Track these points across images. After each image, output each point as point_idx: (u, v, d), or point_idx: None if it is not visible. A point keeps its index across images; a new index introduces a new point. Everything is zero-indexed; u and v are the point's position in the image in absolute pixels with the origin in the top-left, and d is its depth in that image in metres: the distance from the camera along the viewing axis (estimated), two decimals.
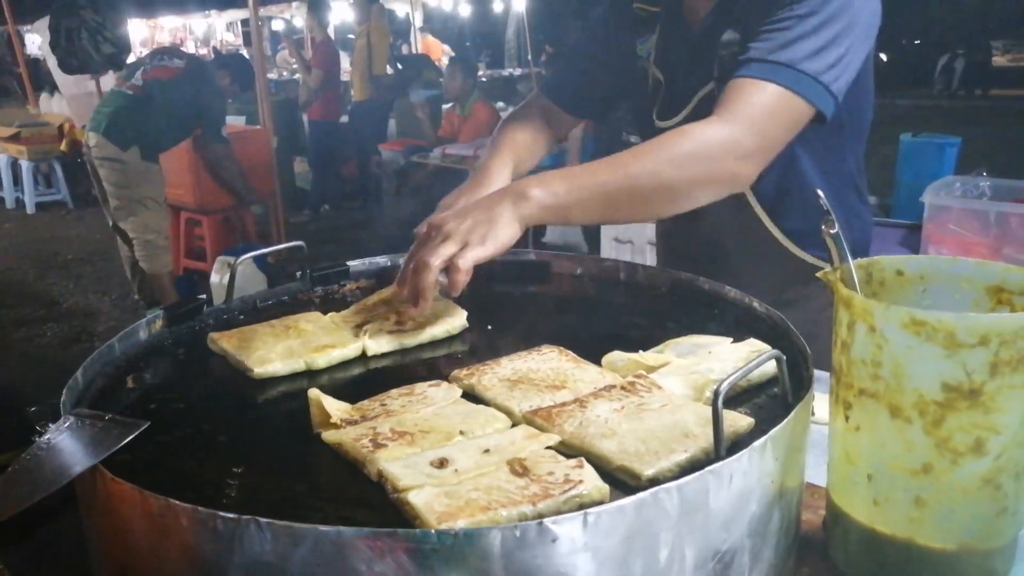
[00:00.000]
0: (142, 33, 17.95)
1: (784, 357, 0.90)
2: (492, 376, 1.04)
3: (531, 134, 1.66)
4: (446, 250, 1.14)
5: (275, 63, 14.96)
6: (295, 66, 10.80)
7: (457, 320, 1.26)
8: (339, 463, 0.87)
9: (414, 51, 14.07)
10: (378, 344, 1.19)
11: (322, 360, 1.14)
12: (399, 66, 9.97)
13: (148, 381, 1.12)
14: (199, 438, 0.95)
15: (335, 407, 0.95)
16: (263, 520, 0.66)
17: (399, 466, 0.81)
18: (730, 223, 1.58)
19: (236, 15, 19.35)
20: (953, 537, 0.84)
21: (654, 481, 0.79)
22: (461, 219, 1.17)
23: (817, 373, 0.97)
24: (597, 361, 1.10)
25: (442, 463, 0.81)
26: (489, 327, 1.30)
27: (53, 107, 10.38)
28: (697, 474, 0.72)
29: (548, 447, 0.86)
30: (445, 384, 1.04)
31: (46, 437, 0.85)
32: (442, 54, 13.96)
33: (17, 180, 9.45)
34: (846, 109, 1.40)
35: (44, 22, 7.08)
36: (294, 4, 15.97)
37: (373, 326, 1.22)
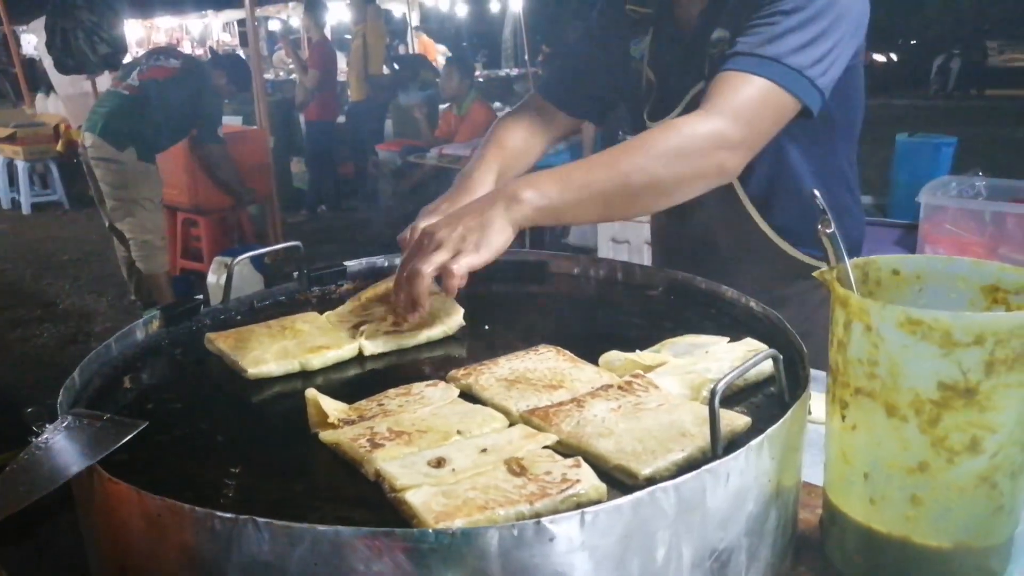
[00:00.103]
0: (138, 33, 17.92)
1: (781, 356, 0.91)
2: (489, 376, 1.05)
3: (525, 136, 1.66)
4: (439, 258, 1.14)
5: (272, 63, 14.94)
6: (292, 66, 10.80)
7: (454, 320, 1.26)
8: (336, 463, 0.87)
9: (411, 51, 14.06)
10: (375, 345, 1.19)
11: (317, 361, 1.14)
12: (395, 66, 9.97)
13: (145, 381, 1.12)
14: (196, 438, 0.95)
15: (332, 407, 0.95)
16: (261, 520, 0.66)
17: (396, 466, 0.81)
18: (722, 221, 1.59)
19: (232, 15, 19.34)
20: (949, 536, 0.84)
21: (651, 480, 0.79)
22: (453, 225, 1.17)
23: (814, 372, 0.98)
24: (594, 361, 1.10)
25: (439, 463, 0.81)
26: (486, 327, 1.30)
27: (49, 107, 10.36)
28: (694, 473, 0.72)
29: (545, 446, 0.86)
30: (442, 384, 1.04)
31: (44, 437, 0.85)
32: (437, 54, 13.95)
33: (13, 181, 9.43)
34: (836, 106, 1.41)
35: (40, 22, 7.05)
36: (291, 4, 15.97)
37: (370, 327, 1.22)
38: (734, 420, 0.90)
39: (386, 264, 1.55)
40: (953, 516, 0.83)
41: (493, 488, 0.76)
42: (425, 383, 1.03)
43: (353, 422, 0.93)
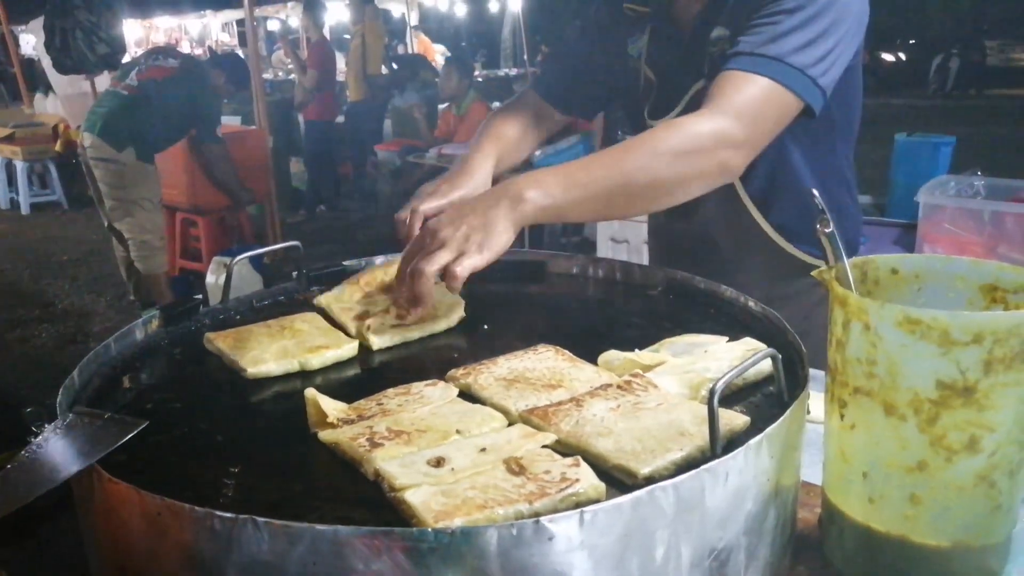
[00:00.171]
0: (137, 33, 17.92)
1: (780, 356, 0.91)
2: (488, 375, 1.05)
3: (519, 130, 1.66)
4: (442, 258, 1.15)
5: (271, 63, 14.94)
6: (291, 66, 10.79)
7: (456, 314, 1.28)
8: (336, 462, 0.87)
9: (410, 51, 14.06)
10: (382, 340, 1.20)
11: (316, 361, 1.14)
12: (394, 66, 9.97)
13: (144, 381, 1.12)
14: (196, 438, 0.95)
15: (332, 407, 0.95)
16: (260, 519, 0.66)
17: (396, 465, 0.81)
18: (722, 219, 1.59)
19: (231, 15, 19.34)
20: (948, 534, 0.84)
21: (650, 479, 0.79)
22: (456, 224, 1.17)
23: (812, 372, 0.98)
24: (593, 360, 1.10)
25: (439, 462, 0.82)
26: (485, 326, 1.30)
27: (48, 107, 10.36)
28: (693, 472, 0.73)
29: (544, 446, 0.86)
30: (441, 383, 1.04)
31: (44, 435, 0.85)
32: (436, 54, 13.96)
33: (12, 181, 9.42)
34: (836, 106, 1.41)
35: (38, 22, 7.05)
36: (289, 4, 15.96)
37: (375, 321, 1.23)
38: (733, 419, 0.90)
39: (386, 262, 1.55)
40: (952, 515, 0.83)
41: (492, 487, 0.76)
42: (424, 383, 1.03)
43: (352, 422, 0.93)
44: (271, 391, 1.09)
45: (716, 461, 0.74)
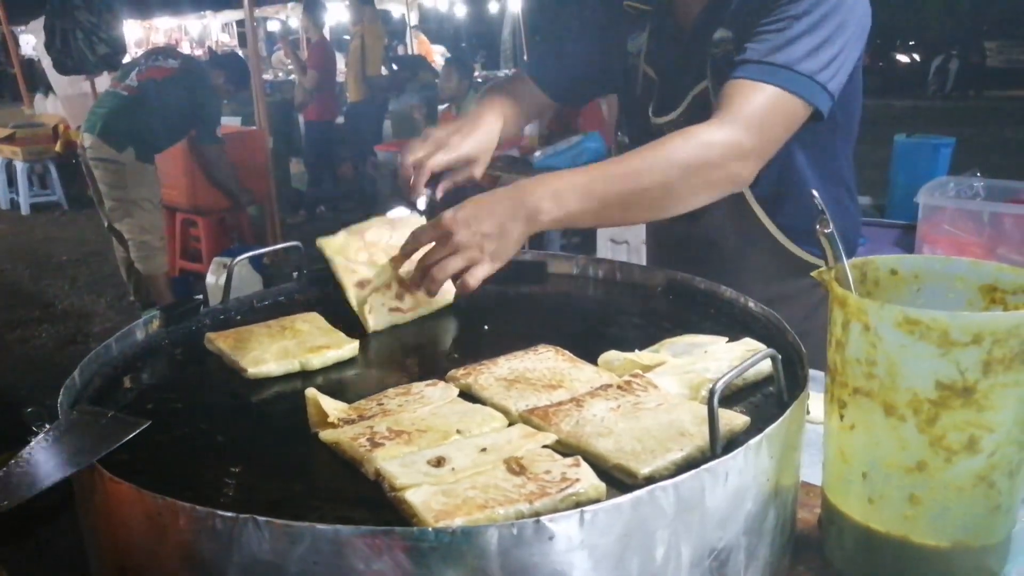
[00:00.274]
0: (137, 34, 17.92)
1: (779, 356, 0.91)
2: (489, 375, 1.05)
3: (516, 104, 1.66)
4: (455, 265, 1.18)
5: (271, 64, 14.94)
6: (291, 67, 10.79)
7: (449, 291, 1.32)
8: (336, 462, 0.87)
9: (410, 51, 14.06)
10: (377, 322, 1.26)
11: (316, 361, 1.14)
12: (394, 67, 9.97)
13: (145, 381, 1.12)
14: (197, 438, 0.95)
15: (332, 407, 0.95)
16: (261, 519, 0.67)
17: (396, 465, 0.81)
18: (725, 221, 1.59)
19: (231, 16, 19.33)
20: (947, 535, 0.85)
21: (650, 479, 0.79)
22: (472, 228, 1.18)
23: (812, 372, 0.98)
24: (593, 361, 1.10)
25: (439, 462, 0.82)
26: (486, 327, 1.30)
27: (48, 108, 10.35)
28: (693, 472, 0.73)
29: (545, 446, 0.86)
30: (442, 383, 1.04)
31: (47, 433, 0.85)
32: (435, 54, 13.97)
33: (12, 181, 9.42)
34: (837, 107, 1.41)
35: (38, 23, 7.06)
36: (289, 5, 15.95)
37: (375, 299, 1.27)
38: (733, 419, 0.90)
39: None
40: (951, 515, 0.83)
41: (493, 487, 0.77)
42: (425, 383, 1.04)
43: (353, 421, 0.93)
44: (272, 391, 1.09)
45: (716, 461, 0.74)
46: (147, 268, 5.09)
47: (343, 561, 0.66)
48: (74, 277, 6.75)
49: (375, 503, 0.79)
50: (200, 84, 5.14)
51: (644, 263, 1.74)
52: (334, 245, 1.32)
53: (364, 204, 8.28)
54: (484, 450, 0.84)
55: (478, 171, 1.53)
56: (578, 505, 0.73)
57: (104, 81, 6.45)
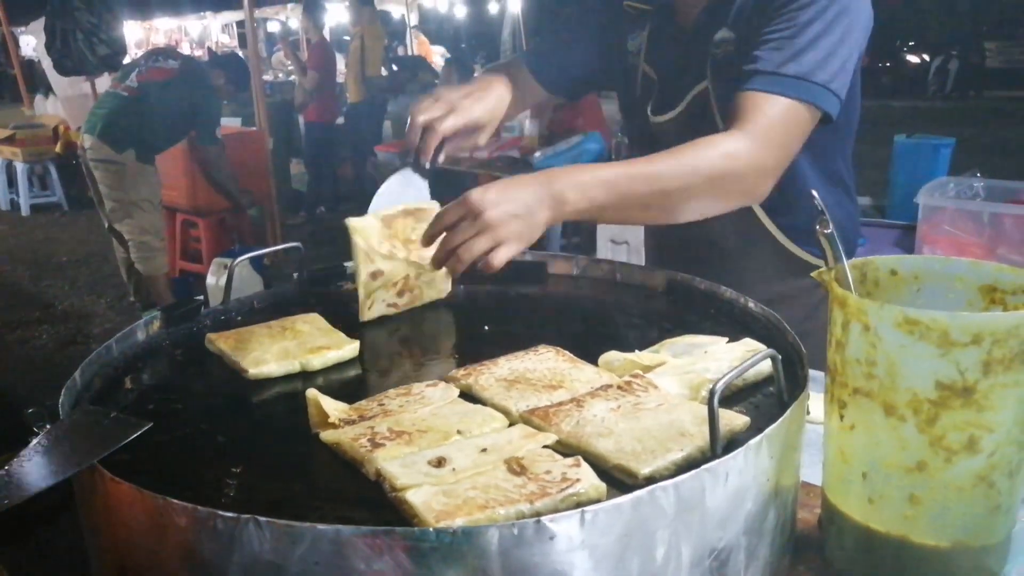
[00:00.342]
0: (137, 35, 17.92)
1: (779, 356, 0.91)
2: (489, 376, 1.05)
3: (514, 88, 1.64)
4: (482, 245, 1.17)
5: (271, 65, 14.94)
6: (291, 68, 10.79)
7: (443, 283, 1.39)
8: (337, 463, 0.88)
9: (410, 52, 14.07)
10: (370, 313, 1.32)
11: (317, 361, 1.14)
12: (394, 67, 9.97)
13: (146, 382, 1.12)
14: (197, 438, 0.95)
15: (333, 407, 0.95)
16: (262, 519, 0.67)
17: (397, 465, 0.81)
18: (726, 220, 1.59)
19: (231, 17, 19.34)
20: (947, 535, 0.85)
21: (650, 480, 0.79)
22: (501, 208, 1.18)
23: (812, 373, 0.98)
24: (594, 361, 1.10)
25: (440, 462, 0.82)
26: (486, 327, 1.30)
27: (48, 109, 10.35)
28: (693, 472, 0.73)
29: (545, 446, 0.86)
30: (442, 384, 1.04)
31: (49, 432, 0.86)
32: (434, 54, 13.97)
33: (12, 182, 9.42)
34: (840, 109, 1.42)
35: (39, 24, 7.07)
36: (289, 6, 15.95)
37: (379, 294, 1.31)
38: (733, 420, 0.90)
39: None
40: (951, 515, 0.84)
41: (493, 487, 0.77)
42: (425, 383, 1.04)
43: (353, 422, 0.93)
44: (272, 392, 1.09)
45: (716, 461, 0.74)
46: (147, 269, 5.09)
47: (344, 561, 0.66)
48: (74, 278, 6.75)
49: (376, 503, 0.79)
50: (200, 85, 5.14)
51: (644, 264, 1.74)
52: (361, 228, 1.32)
53: (364, 205, 8.29)
54: (485, 450, 0.85)
55: (483, 138, 1.51)
56: (579, 505, 0.73)
57: (104, 82, 6.46)
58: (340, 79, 9.28)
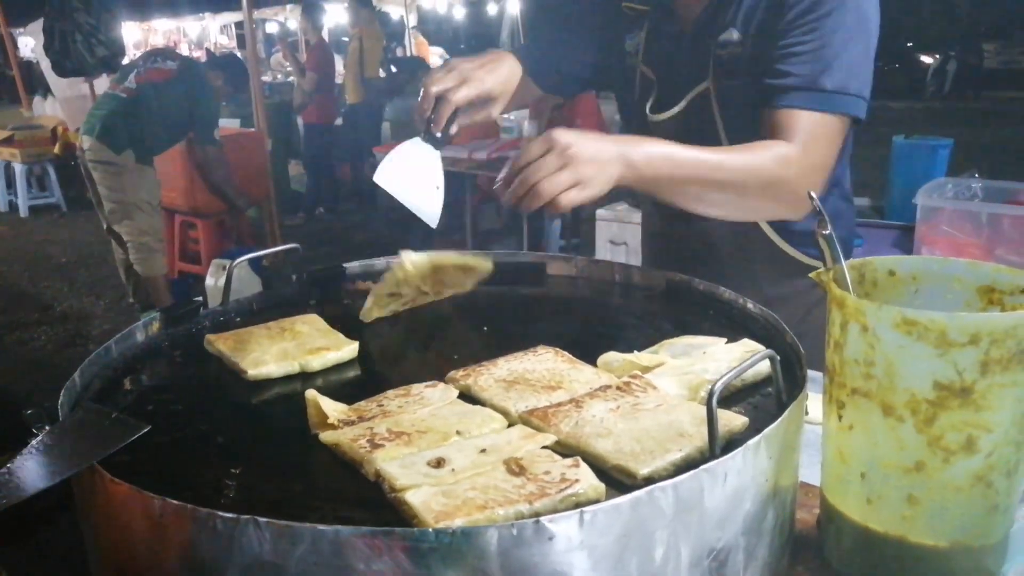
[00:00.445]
0: (135, 36, 17.91)
1: (778, 357, 0.91)
2: (488, 377, 1.05)
3: (519, 68, 1.63)
4: (562, 180, 1.17)
5: (269, 66, 14.94)
6: (289, 69, 10.78)
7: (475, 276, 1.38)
8: (336, 463, 0.88)
9: (408, 53, 14.06)
10: (373, 316, 1.32)
11: (316, 362, 1.14)
12: (392, 69, 9.96)
13: (145, 383, 1.12)
14: (197, 439, 0.95)
15: (332, 408, 0.95)
16: (262, 520, 0.67)
17: (396, 466, 0.82)
18: (724, 222, 1.59)
19: (230, 18, 19.31)
20: (945, 535, 0.85)
21: (649, 480, 0.79)
22: (584, 147, 1.18)
23: (811, 373, 0.98)
24: (592, 362, 1.10)
25: (439, 463, 0.82)
26: (485, 328, 1.30)
27: (46, 110, 10.35)
28: (692, 473, 0.73)
29: (544, 447, 0.86)
30: (441, 385, 1.04)
31: (51, 431, 0.86)
32: (431, 55, 13.97)
33: (10, 183, 9.41)
34: None
35: (37, 25, 7.07)
36: (288, 7, 15.94)
37: (387, 303, 1.31)
38: (732, 420, 0.90)
39: (385, 265, 1.55)
40: (949, 515, 0.84)
41: (492, 488, 0.77)
42: (424, 384, 1.04)
43: (353, 423, 0.93)
44: (272, 393, 1.09)
45: (715, 462, 0.74)
46: (146, 270, 5.09)
47: (343, 562, 0.66)
48: (73, 279, 6.74)
49: (375, 504, 0.79)
50: (199, 86, 5.14)
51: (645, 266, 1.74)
52: (412, 264, 1.30)
53: (363, 206, 8.29)
54: (484, 451, 0.85)
55: (496, 110, 1.51)
56: (577, 505, 0.73)
57: (103, 83, 6.45)
58: (339, 80, 9.28)
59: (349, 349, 1.18)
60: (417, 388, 1.03)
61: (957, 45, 19.54)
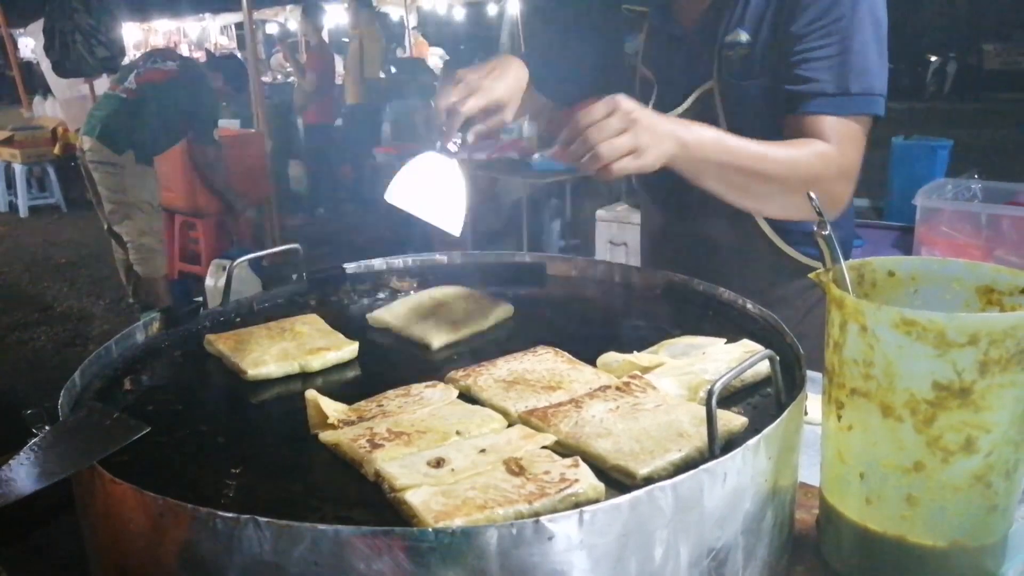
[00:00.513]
0: (136, 36, 17.90)
1: (777, 357, 0.91)
2: (488, 377, 1.05)
3: (526, 72, 1.64)
4: (623, 143, 1.17)
5: (270, 66, 14.94)
6: (290, 70, 10.79)
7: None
8: (336, 463, 0.88)
9: (408, 54, 14.07)
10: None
11: (316, 362, 1.14)
12: (392, 69, 9.97)
13: (145, 383, 1.12)
14: (197, 439, 0.95)
15: (332, 408, 0.95)
16: (262, 519, 0.67)
17: (396, 466, 0.82)
18: (723, 223, 1.59)
19: (230, 18, 19.31)
20: (944, 535, 0.85)
21: (649, 480, 0.79)
22: (646, 114, 1.20)
23: (810, 374, 0.98)
24: (592, 362, 1.11)
25: (439, 463, 0.82)
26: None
27: (46, 110, 10.35)
28: (691, 473, 0.73)
29: (544, 447, 0.86)
30: (441, 385, 1.04)
31: (51, 429, 0.86)
32: (429, 54, 13.99)
33: (10, 184, 9.41)
34: None
35: (37, 25, 7.05)
36: (288, 7, 15.94)
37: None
38: (731, 420, 0.90)
39: (384, 267, 1.55)
40: (948, 515, 0.84)
41: (492, 488, 0.77)
42: (424, 384, 1.04)
43: (353, 423, 0.93)
44: (272, 393, 1.09)
45: (714, 462, 0.75)
46: (146, 270, 5.08)
47: (343, 561, 0.66)
48: (73, 279, 6.74)
49: (375, 504, 0.79)
50: (198, 86, 5.14)
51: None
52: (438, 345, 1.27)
53: (363, 206, 8.29)
54: (483, 451, 0.85)
55: (509, 115, 1.51)
56: (577, 505, 0.73)
57: (103, 84, 6.45)
58: (339, 81, 9.29)
59: (349, 349, 1.18)
60: (417, 388, 1.03)
61: (957, 46, 19.54)
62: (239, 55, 8.87)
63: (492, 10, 18.60)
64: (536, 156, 5.28)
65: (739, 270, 1.54)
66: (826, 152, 1.34)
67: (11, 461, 0.80)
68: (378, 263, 1.55)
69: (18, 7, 9.71)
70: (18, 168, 9.10)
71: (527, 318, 1.38)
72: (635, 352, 1.10)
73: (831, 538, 0.94)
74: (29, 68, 12.52)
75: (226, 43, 21.50)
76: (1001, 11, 19.16)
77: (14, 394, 4.12)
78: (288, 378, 1.12)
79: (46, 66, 7.63)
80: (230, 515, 0.68)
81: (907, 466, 0.83)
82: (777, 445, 0.82)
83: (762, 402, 0.99)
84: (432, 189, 1.32)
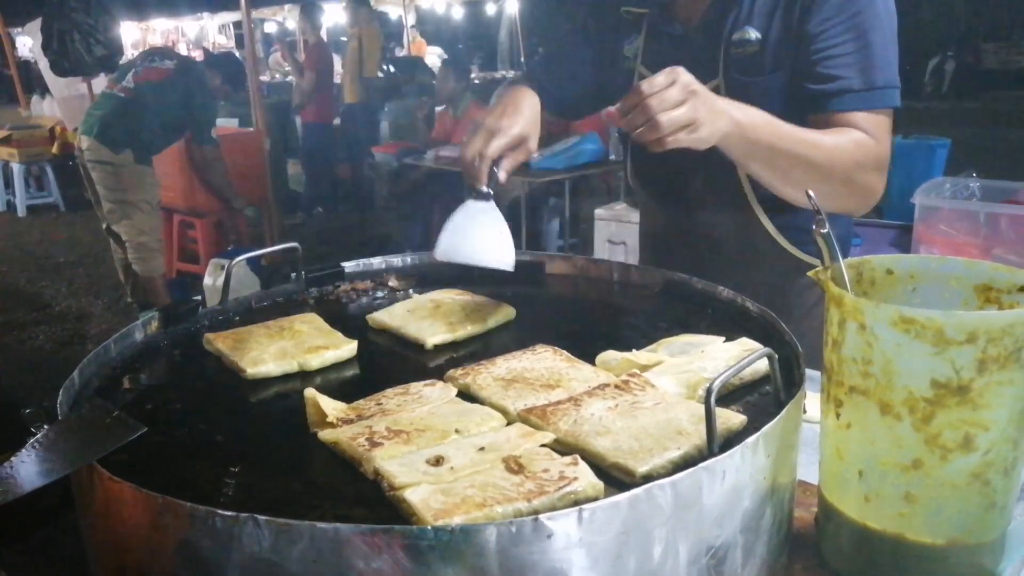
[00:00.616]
0: (134, 35, 17.88)
1: (776, 355, 0.91)
2: (487, 375, 1.05)
3: (538, 98, 1.64)
4: (681, 114, 1.17)
5: (268, 65, 14.92)
6: (288, 68, 10.79)
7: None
8: (335, 462, 0.88)
9: (407, 53, 14.07)
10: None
11: (315, 361, 1.14)
12: (391, 68, 9.96)
13: (144, 382, 1.12)
14: (196, 438, 0.96)
15: (331, 406, 0.95)
16: (261, 518, 0.67)
17: (395, 464, 0.82)
18: (724, 221, 1.59)
19: (228, 17, 19.27)
20: (943, 532, 0.85)
21: (648, 478, 0.79)
22: (700, 87, 1.20)
23: (809, 372, 0.98)
24: (591, 360, 1.11)
25: (438, 461, 0.82)
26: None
27: (44, 109, 10.34)
28: (690, 471, 0.73)
29: (543, 445, 0.86)
30: (440, 383, 1.04)
31: (48, 431, 0.86)
32: (427, 53, 14.01)
33: (8, 183, 9.40)
34: None
35: (35, 24, 7.05)
36: (287, 6, 15.93)
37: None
38: (730, 418, 0.91)
39: (384, 266, 1.55)
40: (946, 513, 0.84)
41: (491, 486, 0.77)
42: (423, 382, 1.04)
43: (352, 421, 0.93)
44: (270, 391, 1.09)
45: (713, 460, 0.75)
46: (144, 269, 5.08)
47: (342, 560, 0.66)
48: (71, 279, 6.74)
49: (374, 502, 0.79)
50: (196, 85, 5.13)
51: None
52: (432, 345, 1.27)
53: (361, 205, 8.29)
54: (482, 449, 0.85)
55: (533, 144, 1.52)
56: (576, 503, 0.73)
57: (101, 83, 6.44)
58: (337, 80, 9.29)
59: (348, 348, 1.18)
60: (416, 386, 1.03)
61: (955, 45, 19.55)
62: (237, 54, 8.86)
63: (491, 9, 18.60)
64: (535, 156, 5.28)
65: (738, 268, 1.54)
66: (866, 142, 1.37)
67: (12, 459, 0.80)
68: (377, 262, 1.55)
69: (16, 6, 9.71)
70: (16, 167, 9.09)
71: (526, 317, 1.38)
72: (634, 350, 1.10)
73: (830, 536, 0.94)
74: (27, 67, 12.51)
75: (224, 42, 21.47)
76: (999, 10, 19.16)
77: (13, 393, 4.11)
78: (287, 377, 1.12)
79: (44, 65, 7.63)
80: (229, 513, 0.68)
81: (906, 464, 0.83)
82: (776, 443, 0.82)
83: (761, 400, 0.99)
84: (478, 236, 1.34)
